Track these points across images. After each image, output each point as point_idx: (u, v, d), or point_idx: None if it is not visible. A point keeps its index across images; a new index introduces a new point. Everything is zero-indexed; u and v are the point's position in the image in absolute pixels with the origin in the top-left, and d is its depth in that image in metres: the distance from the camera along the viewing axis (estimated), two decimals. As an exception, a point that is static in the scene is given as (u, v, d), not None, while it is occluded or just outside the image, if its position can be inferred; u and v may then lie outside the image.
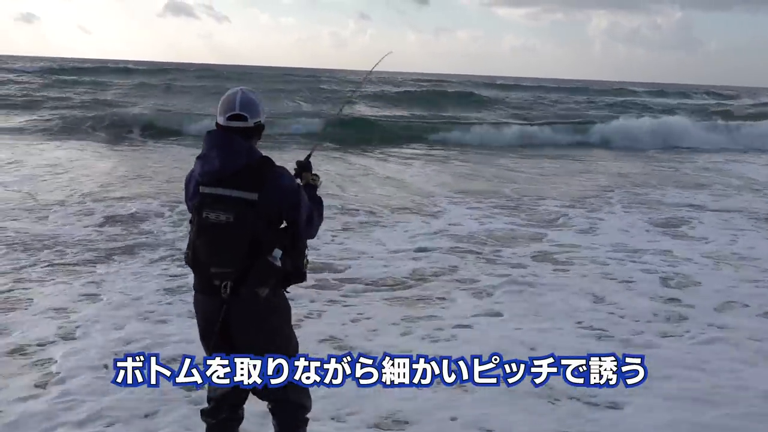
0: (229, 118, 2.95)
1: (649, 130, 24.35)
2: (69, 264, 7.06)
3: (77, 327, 5.38)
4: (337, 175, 13.99)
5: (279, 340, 3.07)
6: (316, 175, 3.31)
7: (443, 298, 6.50)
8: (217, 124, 2.99)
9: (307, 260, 3.12)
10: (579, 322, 5.95)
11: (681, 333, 5.79)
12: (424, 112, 29.02)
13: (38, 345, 5.03)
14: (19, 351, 4.93)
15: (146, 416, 4.06)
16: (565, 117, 30.93)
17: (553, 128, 24.69)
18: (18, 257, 7.21)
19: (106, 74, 42.85)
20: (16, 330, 5.30)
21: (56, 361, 4.76)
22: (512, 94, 43.74)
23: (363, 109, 29.95)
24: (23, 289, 6.24)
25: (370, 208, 10.61)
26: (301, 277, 3.08)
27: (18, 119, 22.39)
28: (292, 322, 3.23)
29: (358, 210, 10.44)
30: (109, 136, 19.04)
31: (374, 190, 12.61)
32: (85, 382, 4.44)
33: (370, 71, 4.54)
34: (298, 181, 3.17)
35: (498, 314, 6.11)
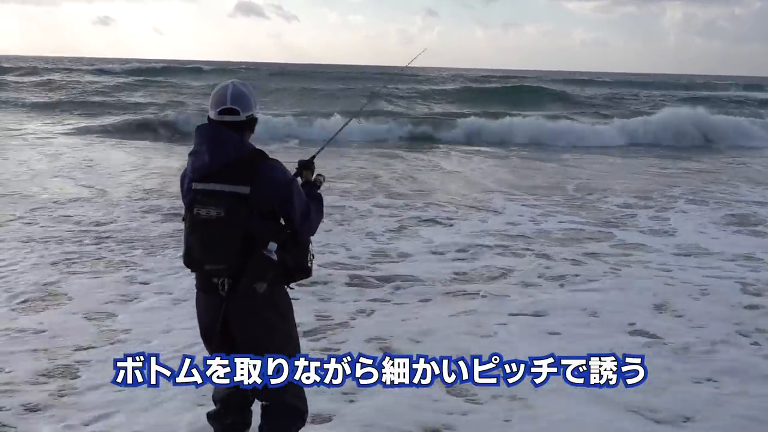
0: (221, 112, 2.91)
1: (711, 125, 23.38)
2: (121, 256, 7.25)
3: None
4: (397, 171, 14.11)
5: (278, 337, 3.01)
6: (319, 175, 3.32)
7: (493, 296, 6.40)
8: (208, 118, 2.95)
9: (312, 255, 3.09)
10: (635, 330, 5.66)
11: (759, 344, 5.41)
12: (496, 108, 28.47)
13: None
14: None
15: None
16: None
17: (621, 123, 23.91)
18: (81, 249, 7.49)
19: (180, 74, 44.19)
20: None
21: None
22: (589, 89, 42.47)
23: (431, 106, 30.00)
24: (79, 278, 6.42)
25: (428, 204, 10.57)
26: (304, 273, 3.04)
27: (96, 119, 23.33)
28: (296, 319, 3.18)
29: (415, 206, 10.36)
30: (180, 136, 19.54)
31: (435, 186, 12.60)
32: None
33: (405, 66, 4.59)
34: (299, 179, 3.16)
35: (548, 316, 5.93)
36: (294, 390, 3.07)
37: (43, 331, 5.30)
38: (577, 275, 7.16)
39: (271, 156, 2.98)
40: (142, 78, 39.53)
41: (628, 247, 8.44)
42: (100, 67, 51.23)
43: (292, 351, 3.07)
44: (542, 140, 21.23)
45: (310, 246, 3.08)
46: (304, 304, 5.81)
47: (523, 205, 10.97)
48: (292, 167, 3.14)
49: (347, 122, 4.63)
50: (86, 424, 3.94)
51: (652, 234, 9.18)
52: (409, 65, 4.63)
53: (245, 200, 2.83)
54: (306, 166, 3.27)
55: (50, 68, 49.36)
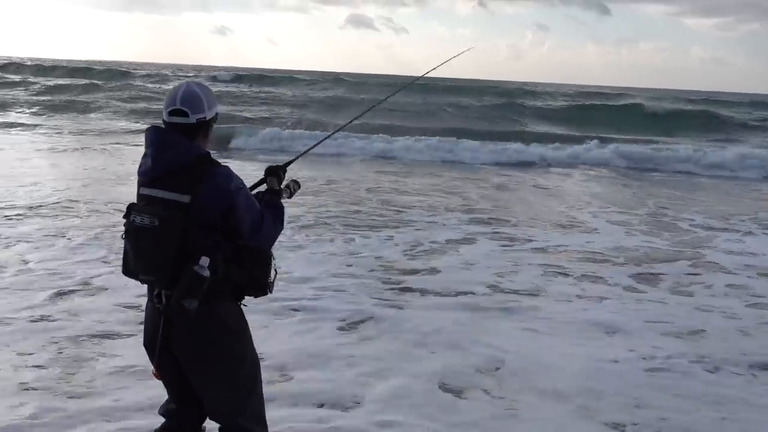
0: (170, 113, 2.75)
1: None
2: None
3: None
4: (488, 189, 14.06)
5: (225, 359, 2.80)
6: (293, 182, 3.17)
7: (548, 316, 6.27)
8: (163, 120, 2.81)
9: (276, 271, 2.91)
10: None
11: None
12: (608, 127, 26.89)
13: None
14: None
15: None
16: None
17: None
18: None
19: (295, 84, 44.79)
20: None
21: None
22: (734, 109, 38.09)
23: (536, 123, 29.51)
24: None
25: (509, 220, 10.57)
26: (261, 290, 2.87)
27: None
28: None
29: (494, 221, 10.45)
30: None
31: (527, 205, 12.43)
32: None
33: (442, 63, 4.51)
34: (264, 186, 3.03)
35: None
36: (251, 409, 2.91)
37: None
38: None
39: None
40: (246, 86, 41.07)
41: None
42: (213, 74, 53.61)
43: (245, 376, 2.87)
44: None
45: (272, 260, 2.90)
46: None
47: None
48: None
49: (333, 132, 4.39)
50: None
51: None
52: (426, 75, 4.49)
53: (184, 209, 2.66)
54: (271, 172, 3.08)
55: (171, 75, 52.05)
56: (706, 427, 4.35)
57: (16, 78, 41.97)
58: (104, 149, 17.70)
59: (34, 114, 27.42)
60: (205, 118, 2.78)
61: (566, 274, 7.70)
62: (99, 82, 38.74)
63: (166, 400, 3.02)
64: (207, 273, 2.62)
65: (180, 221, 2.65)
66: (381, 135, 20.98)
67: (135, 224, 2.70)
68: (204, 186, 2.68)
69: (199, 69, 76.93)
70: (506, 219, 10.72)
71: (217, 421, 2.94)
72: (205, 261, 2.62)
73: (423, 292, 6.84)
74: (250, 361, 2.92)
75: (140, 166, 2.80)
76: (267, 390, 3.14)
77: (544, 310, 6.43)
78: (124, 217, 2.77)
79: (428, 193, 13.02)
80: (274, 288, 2.94)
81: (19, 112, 27.75)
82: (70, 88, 36.13)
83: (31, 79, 41.57)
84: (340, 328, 5.76)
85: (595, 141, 21.49)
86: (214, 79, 46.81)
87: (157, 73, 51.24)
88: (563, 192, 14.36)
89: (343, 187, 13.04)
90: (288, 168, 3.18)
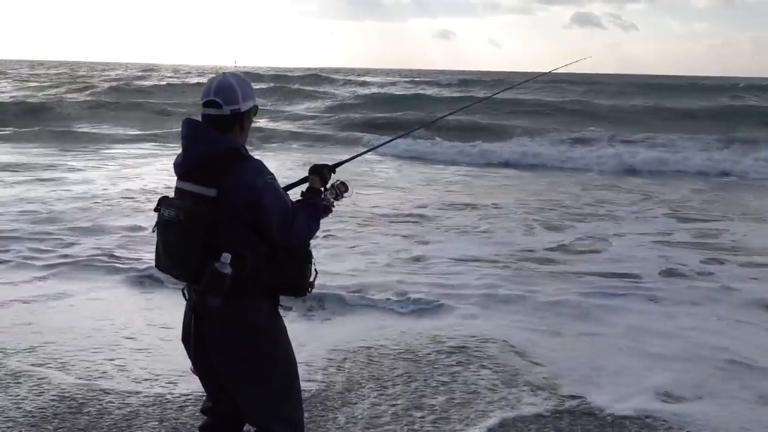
0: (204, 105, 2.74)
1: None
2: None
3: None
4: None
5: (256, 360, 2.75)
6: (342, 183, 3.04)
7: None
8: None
9: (316, 270, 2.85)
10: None
11: None
12: None
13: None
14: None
15: None
16: None
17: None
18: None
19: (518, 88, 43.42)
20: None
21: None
22: None
23: None
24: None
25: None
26: (297, 288, 2.81)
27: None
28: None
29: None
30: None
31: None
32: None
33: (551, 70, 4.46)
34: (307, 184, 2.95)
35: None
36: (286, 414, 2.84)
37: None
38: None
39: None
40: (472, 89, 40.67)
41: None
42: (434, 79, 54.10)
43: (278, 379, 2.81)
44: None
45: (312, 259, 2.84)
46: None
47: None
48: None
49: (400, 135, 4.25)
50: None
51: None
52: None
53: (211, 204, 2.63)
54: (315, 170, 2.99)
55: (391, 81, 53.43)
56: None
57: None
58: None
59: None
60: (239, 110, 2.74)
61: None
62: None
63: (206, 397, 3.00)
64: (228, 270, 2.58)
65: (205, 216, 2.61)
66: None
67: (163, 218, 2.69)
68: (231, 180, 2.63)
69: (424, 74, 78.32)
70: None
71: (250, 424, 2.91)
72: (226, 257, 2.58)
73: None
74: (285, 363, 2.85)
75: (175, 159, 2.81)
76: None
77: None
78: (155, 210, 2.75)
79: None
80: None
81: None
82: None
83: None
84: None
85: None
86: (438, 84, 47.09)
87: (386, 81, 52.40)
88: None
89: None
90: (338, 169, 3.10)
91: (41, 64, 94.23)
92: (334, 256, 7.73)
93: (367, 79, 54.41)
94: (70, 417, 4.06)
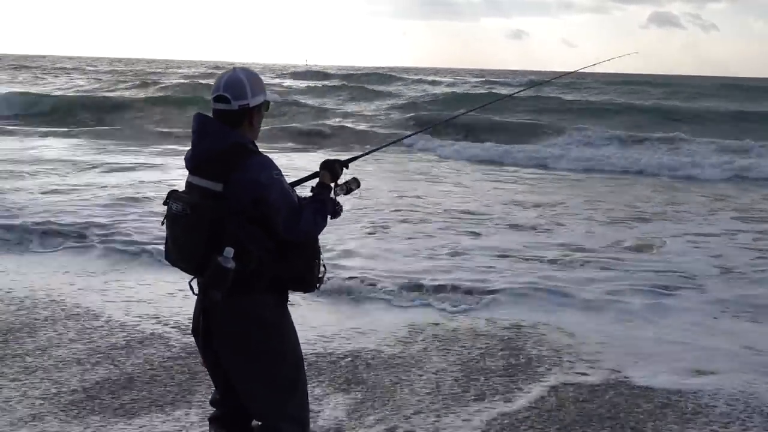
0: (214, 100, 2.79)
1: None
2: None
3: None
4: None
5: (261, 357, 2.78)
6: (354, 179, 3.06)
7: None
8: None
9: (324, 267, 2.88)
10: None
11: None
12: None
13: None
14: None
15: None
16: None
17: None
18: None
19: (593, 88, 42.47)
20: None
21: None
22: None
23: None
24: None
25: None
26: (304, 284, 2.85)
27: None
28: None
29: None
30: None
31: None
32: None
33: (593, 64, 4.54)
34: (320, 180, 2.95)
35: None
36: (291, 412, 2.85)
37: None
38: None
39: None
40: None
41: None
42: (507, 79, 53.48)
43: (284, 376, 2.83)
44: None
45: (319, 255, 2.88)
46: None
47: None
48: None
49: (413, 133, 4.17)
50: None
51: None
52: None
53: (218, 198, 2.68)
54: (325, 166, 3.00)
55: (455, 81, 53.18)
56: None
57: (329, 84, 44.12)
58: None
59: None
60: (248, 105, 2.77)
61: None
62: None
63: (215, 390, 3.03)
64: (231, 264, 2.59)
65: (210, 210, 2.65)
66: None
67: (171, 211, 2.75)
68: (237, 175, 2.67)
69: (496, 74, 77.62)
70: None
71: (256, 419, 2.93)
72: (229, 252, 2.60)
73: None
74: (292, 360, 2.88)
75: (185, 154, 2.86)
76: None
77: None
78: (164, 203, 2.80)
79: None
80: None
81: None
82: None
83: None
84: None
85: None
86: (510, 84, 46.71)
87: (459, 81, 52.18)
88: None
89: None
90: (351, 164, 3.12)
91: (119, 60, 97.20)
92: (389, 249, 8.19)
93: (437, 78, 54.33)
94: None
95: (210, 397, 3.15)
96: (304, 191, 2.96)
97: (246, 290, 2.71)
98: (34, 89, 35.39)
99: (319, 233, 2.86)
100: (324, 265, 2.92)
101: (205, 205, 2.66)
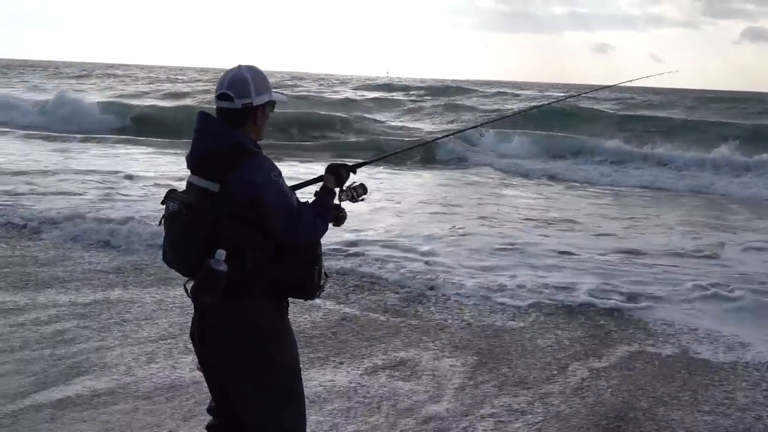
0: (217, 98, 2.74)
1: None
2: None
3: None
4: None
5: (255, 364, 2.69)
6: (360, 185, 2.97)
7: None
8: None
9: (325, 273, 2.77)
10: None
11: None
12: None
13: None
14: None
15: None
16: None
17: None
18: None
19: (686, 107, 40.36)
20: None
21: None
22: None
23: None
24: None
25: None
26: (304, 291, 2.74)
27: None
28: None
29: None
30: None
31: None
32: None
33: (630, 80, 4.49)
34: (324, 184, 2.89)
35: None
36: (285, 424, 2.76)
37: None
38: None
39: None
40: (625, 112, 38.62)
41: None
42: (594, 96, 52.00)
43: (279, 385, 2.74)
44: None
45: (320, 260, 2.77)
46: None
47: None
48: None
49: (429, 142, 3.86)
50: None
51: None
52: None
53: (214, 199, 2.60)
54: (331, 170, 2.91)
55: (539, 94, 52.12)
56: None
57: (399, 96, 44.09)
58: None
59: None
60: (251, 103, 2.71)
61: None
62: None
63: (211, 397, 2.93)
64: (223, 267, 2.51)
65: (206, 210, 2.58)
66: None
67: (168, 210, 2.67)
68: (233, 175, 2.60)
69: (579, 88, 76.03)
70: None
71: (250, 430, 2.78)
72: (220, 254, 2.52)
73: None
74: (287, 369, 2.79)
75: (187, 153, 2.78)
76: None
77: None
78: (162, 203, 2.72)
79: None
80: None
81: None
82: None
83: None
84: None
85: None
86: (595, 98, 45.22)
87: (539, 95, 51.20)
88: None
89: None
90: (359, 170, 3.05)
91: (181, 69, 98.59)
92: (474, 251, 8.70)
93: (519, 92, 53.24)
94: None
95: (207, 405, 3.07)
96: (308, 196, 2.85)
97: (243, 294, 2.65)
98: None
99: (320, 239, 2.79)
100: (326, 273, 2.83)
101: (201, 206, 2.61)
